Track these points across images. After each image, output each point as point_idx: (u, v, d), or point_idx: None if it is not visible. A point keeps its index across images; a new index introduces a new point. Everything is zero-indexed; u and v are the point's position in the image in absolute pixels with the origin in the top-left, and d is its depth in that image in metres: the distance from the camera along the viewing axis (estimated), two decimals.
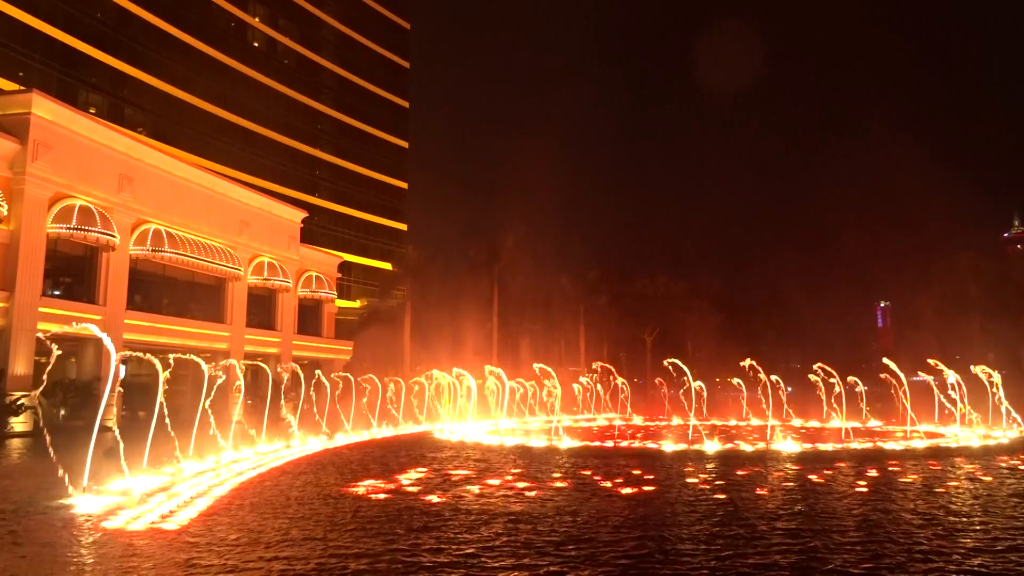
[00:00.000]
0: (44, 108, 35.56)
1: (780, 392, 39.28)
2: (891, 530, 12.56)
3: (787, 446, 26.33)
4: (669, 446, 26.71)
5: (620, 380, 55.28)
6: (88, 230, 36.42)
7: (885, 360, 33.52)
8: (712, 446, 26.38)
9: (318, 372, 37.48)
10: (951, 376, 34.09)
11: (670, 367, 33.97)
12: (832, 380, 34.50)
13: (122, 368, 40.35)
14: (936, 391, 34.90)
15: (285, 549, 11.05)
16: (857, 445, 27.04)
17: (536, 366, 37.84)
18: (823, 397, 35.79)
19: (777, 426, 35.55)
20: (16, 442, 29.69)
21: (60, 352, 15.59)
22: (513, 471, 20.42)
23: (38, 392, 22.18)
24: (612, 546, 11.28)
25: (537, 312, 75.85)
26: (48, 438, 15.17)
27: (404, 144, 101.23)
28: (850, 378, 37.94)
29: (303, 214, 57.88)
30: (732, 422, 44.07)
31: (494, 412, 39.03)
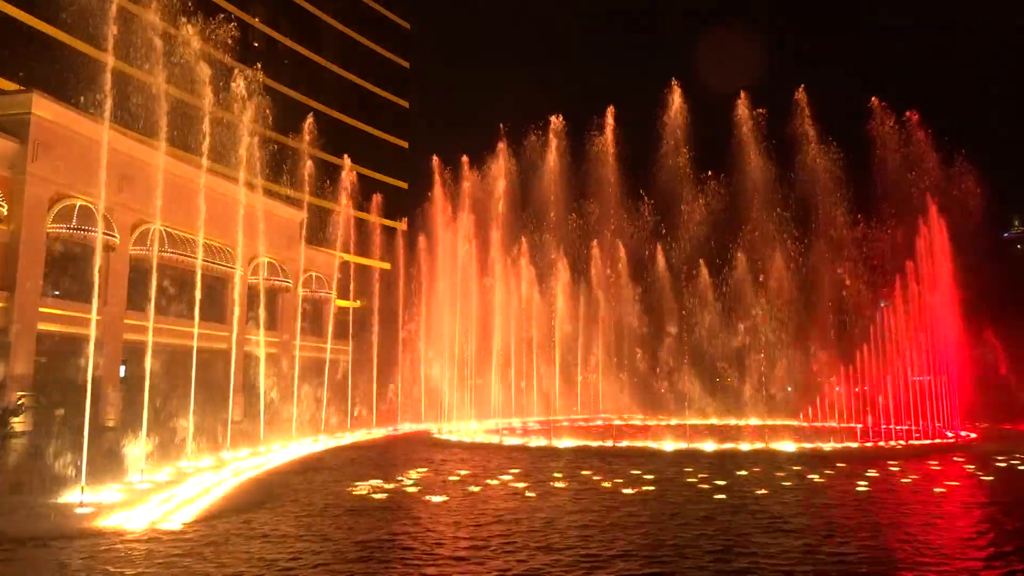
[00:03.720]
0: (44, 108, 35.54)
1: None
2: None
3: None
4: (669, 445, 26.73)
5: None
6: (88, 230, 36.42)
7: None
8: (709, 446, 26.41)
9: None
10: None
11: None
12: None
13: (122, 368, 40.41)
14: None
15: (285, 550, 11.06)
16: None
17: None
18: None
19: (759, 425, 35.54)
20: (16, 442, 29.68)
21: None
22: (512, 471, 20.41)
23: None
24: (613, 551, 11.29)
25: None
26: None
27: (404, 144, 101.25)
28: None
29: (303, 214, 57.86)
30: (731, 421, 44.06)
31: None
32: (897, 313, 35.47)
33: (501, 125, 49.74)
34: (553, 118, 49.21)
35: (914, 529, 12.75)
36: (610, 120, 48.93)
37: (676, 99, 45.29)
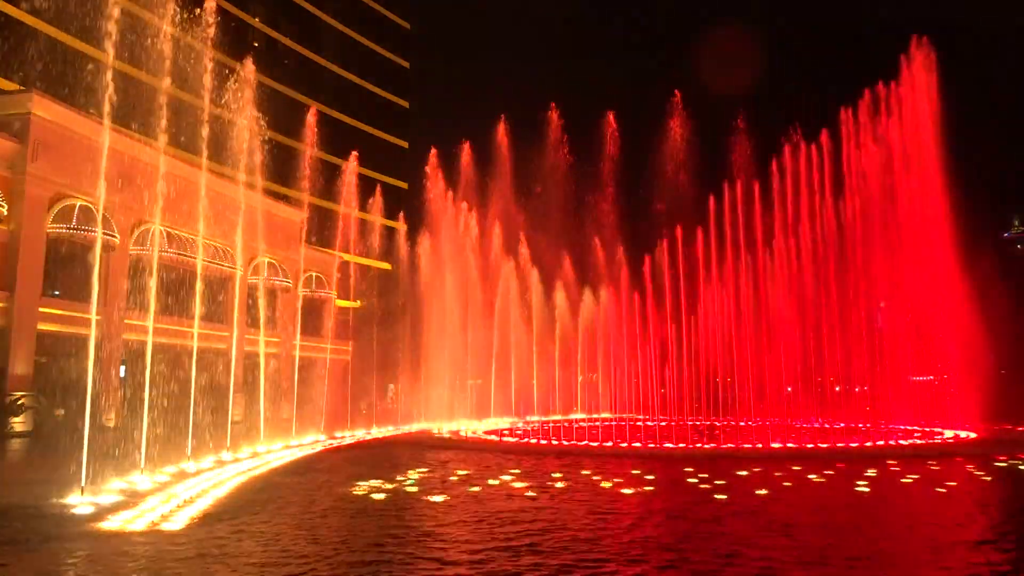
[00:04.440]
0: (44, 108, 35.55)
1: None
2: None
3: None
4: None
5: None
6: (88, 230, 36.42)
7: None
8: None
9: None
10: None
11: None
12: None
13: (122, 368, 40.40)
14: None
15: (286, 550, 11.04)
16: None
17: None
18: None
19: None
20: (16, 442, 29.70)
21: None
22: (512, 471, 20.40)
23: None
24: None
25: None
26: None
27: (404, 144, 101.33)
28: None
29: (303, 214, 57.91)
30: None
31: None
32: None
33: (502, 117, 50.26)
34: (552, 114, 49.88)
35: (920, 530, 12.75)
36: (612, 124, 49.37)
37: (676, 105, 45.57)
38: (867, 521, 13.45)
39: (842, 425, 33.19)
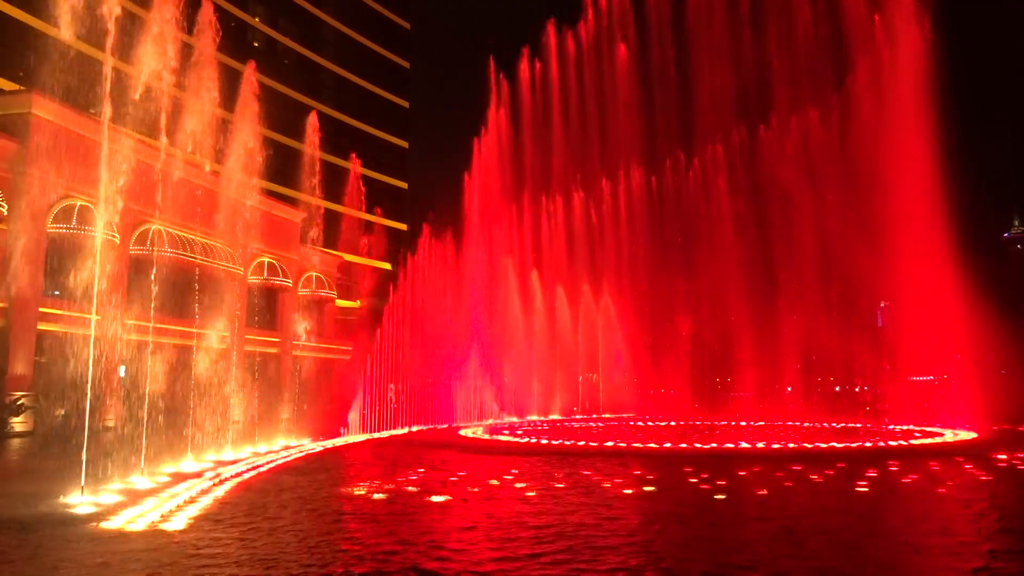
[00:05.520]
0: (44, 108, 35.52)
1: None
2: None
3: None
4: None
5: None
6: (88, 230, 36.40)
7: None
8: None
9: None
10: None
11: None
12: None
13: (121, 368, 40.37)
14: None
15: (286, 551, 11.03)
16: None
17: None
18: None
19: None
20: (16, 442, 29.69)
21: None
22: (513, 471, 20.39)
23: None
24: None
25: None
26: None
27: (404, 144, 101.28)
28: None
29: (303, 214, 57.90)
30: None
31: None
32: None
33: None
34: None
35: (929, 533, 12.74)
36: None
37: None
38: (871, 524, 13.43)
39: (842, 425, 33.16)
